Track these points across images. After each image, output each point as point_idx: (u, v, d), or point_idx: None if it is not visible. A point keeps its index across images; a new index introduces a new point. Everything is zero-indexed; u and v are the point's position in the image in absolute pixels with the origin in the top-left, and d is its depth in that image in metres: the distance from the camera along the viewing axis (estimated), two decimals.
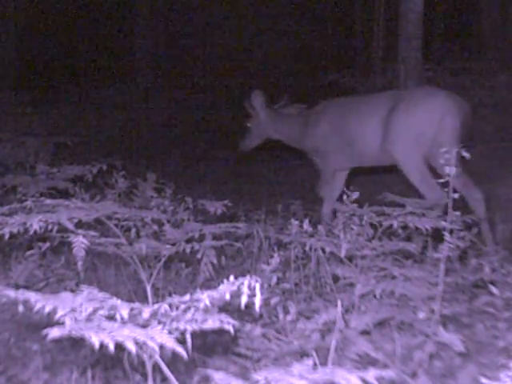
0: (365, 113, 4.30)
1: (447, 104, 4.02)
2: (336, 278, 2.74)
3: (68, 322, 1.52)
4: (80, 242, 2.27)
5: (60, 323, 1.50)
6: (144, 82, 11.84)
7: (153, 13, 12.64)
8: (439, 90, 4.31)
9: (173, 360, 1.80)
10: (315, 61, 12.00)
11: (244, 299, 1.63)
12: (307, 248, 2.85)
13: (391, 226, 2.59)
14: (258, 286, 1.64)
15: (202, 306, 1.63)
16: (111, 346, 1.39)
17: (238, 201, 5.13)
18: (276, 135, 5.03)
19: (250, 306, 1.66)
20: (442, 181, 2.33)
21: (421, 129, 3.99)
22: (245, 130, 5.12)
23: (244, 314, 2.34)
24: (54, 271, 3.20)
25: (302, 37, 13.32)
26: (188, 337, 1.59)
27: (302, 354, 2.22)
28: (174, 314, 1.63)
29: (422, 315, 2.35)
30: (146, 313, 1.61)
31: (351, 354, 2.21)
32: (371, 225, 2.73)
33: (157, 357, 1.58)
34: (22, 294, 1.59)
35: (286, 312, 2.55)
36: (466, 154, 2.32)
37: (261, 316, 2.57)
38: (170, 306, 1.64)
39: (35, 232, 2.25)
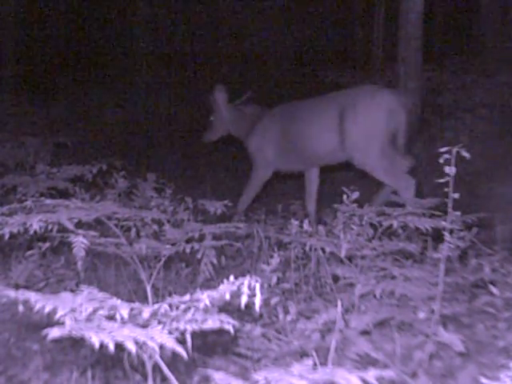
0: (314, 116, 4.50)
1: (392, 101, 4.21)
2: (336, 278, 2.74)
3: (68, 322, 1.52)
4: (80, 242, 2.27)
5: (60, 323, 1.50)
6: (144, 82, 11.84)
7: (153, 13, 12.64)
8: (382, 87, 4.51)
9: (173, 360, 1.80)
10: (315, 61, 12.00)
11: (244, 299, 1.63)
12: (307, 248, 2.85)
13: (391, 225, 2.59)
14: (257, 286, 1.64)
15: (201, 306, 1.63)
16: (111, 346, 1.39)
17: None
18: (233, 131, 5.22)
19: (250, 306, 1.66)
20: (441, 181, 2.32)
21: (374, 127, 4.19)
22: (208, 122, 5.31)
23: (244, 313, 2.34)
24: (54, 271, 3.20)
25: (302, 37, 13.32)
26: (188, 337, 1.59)
27: (302, 354, 2.22)
28: (173, 313, 1.63)
29: (422, 315, 2.35)
30: (146, 313, 1.61)
31: (351, 354, 2.22)
32: (371, 225, 2.73)
33: (157, 357, 1.58)
34: (22, 294, 1.59)
35: (286, 312, 2.55)
36: (465, 154, 2.32)
37: (261, 316, 2.57)
38: (170, 306, 1.64)
39: (35, 232, 2.25)
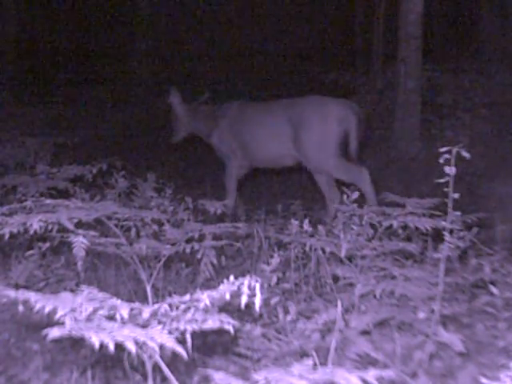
0: (262, 121, 4.81)
1: (340, 110, 4.58)
2: (336, 278, 2.74)
3: (68, 322, 1.52)
4: (80, 242, 2.27)
5: (60, 323, 1.50)
6: (144, 82, 11.84)
7: (154, 13, 12.64)
8: (331, 98, 4.76)
9: (173, 360, 1.80)
10: (315, 61, 11.99)
11: (244, 299, 1.63)
12: (307, 248, 2.85)
13: (391, 226, 2.59)
14: (257, 286, 1.64)
15: (202, 305, 1.63)
16: (111, 346, 1.39)
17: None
18: (194, 130, 5.41)
19: (250, 305, 1.66)
20: (441, 181, 2.32)
21: (326, 134, 4.53)
22: (171, 124, 5.54)
23: (244, 313, 2.34)
24: (54, 271, 3.19)
25: (302, 37, 13.32)
26: (188, 337, 1.59)
27: (302, 354, 2.22)
28: (173, 314, 1.63)
29: (422, 315, 2.35)
30: (146, 313, 1.61)
31: (351, 354, 2.21)
32: (371, 225, 2.73)
33: (157, 357, 1.58)
34: (22, 294, 1.60)
35: (286, 312, 2.55)
36: (466, 154, 2.32)
37: (261, 316, 2.57)
38: (170, 306, 1.64)
39: (35, 232, 2.25)
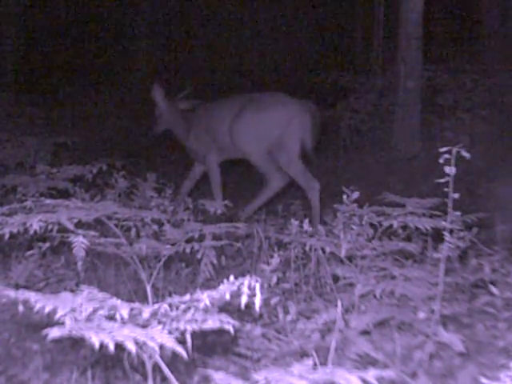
0: (221, 114, 5.06)
1: (295, 110, 4.75)
2: (336, 278, 2.74)
3: (68, 322, 1.52)
4: (80, 242, 2.27)
5: (60, 323, 1.50)
6: (144, 82, 11.84)
7: (154, 13, 12.65)
8: (289, 98, 4.91)
9: (173, 360, 1.80)
10: (315, 61, 11.99)
11: (244, 299, 1.63)
12: (307, 248, 2.85)
13: (391, 225, 2.59)
14: (257, 286, 1.64)
15: (201, 305, 1.63)
16: (111, 346, 1.39)
17: (237, 201, 5.14)
18: (170, 125, 5.55)
19: (250, 306, 1.66)
20: (441, 181, 2.32)
21: (265, 129, 4.75)
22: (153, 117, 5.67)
23: (244, 313, 2.34)
24: (54, 271, 3.20)
25: (302, 37, 13.31)
26: (188, 337, 1.59)
27: (302, 354, 2.22)
28: (173, 314, 1.63)
29: (422, 315, 2.35)
30: (146, 313, 1.61)
31: (351, 354, 2.21)
32: (371, 225, 2.73)
33: (157, 357, 1.58)
34: (22, 294, 1.60)
35: (286, 312, 2.55)
36: (466, 154, 2.31)
37: (261, 316, 2.57)
38: (170, 306, 1.64)
39: (35, 232, 2.25)
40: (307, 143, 4.76)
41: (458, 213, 2.39)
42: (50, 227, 2.29)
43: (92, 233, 2.37)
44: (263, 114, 4.77)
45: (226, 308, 1.74)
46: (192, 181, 5.46)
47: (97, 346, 1.38)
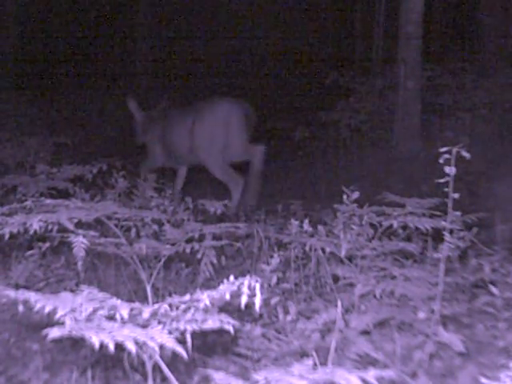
0: (175, 124, 5.42)
1: (230, 110, 5.14)
2: (336, 278, 2.74)
3: (68, 321, 1.52)
4: (80, 242, 2.27)
5: (60, 323, 1.50)
6: (144, 83, 11.84)
7: (154, 14, 12.64)
8: (224, 99, 5.35)
9: (173, 360, 1.80)
10: (315, 61, 11.99)
11: (244, 299, 1.63)
12: (307, 248, 2.84)
13: (391, 225, 2.59)
14: (257, 286, 1.64)
15: (202, 306, 1.63)
16: (111, 346, 1.39)
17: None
18: (147, 136, 5.83)
19: (250, 306, 1.66)
20: (441, 181, 2.32)
21: (214, 134, 5.12)
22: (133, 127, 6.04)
23: (244, 314, 2.34)
24: (54, 271, 3.19)
25: (302, 37, 13.31)
26: (188, 337, 1.59)
27: (302, 354, 2.22)
28: (173, 314, 1.63)
29: (422, 315, 2.34)
30: (146, 313, 1.61)
31: (351, 354, 2.21)
32: (371, 225, 2.73)
33: (157, 357, 1.58)
34: (22, 294, 1.60)
35: (286, 312, 2.55)
36: (466, 154, 2.31)
37: (261, 316, 2.56)
38: (170, 306, 1.64)
39: (35, 232, 2.25)
40: (238, 143, 5.17)
41: (458, 213, 2.38)
42: (50, 227, 2.29)
43: (92, 233, 2.37)
44: (209, 121, 5.16)
45: (226, 308, 1.74)
46: (181, 178, 5.66)
47: (97, 346, 1.38)
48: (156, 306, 1.63)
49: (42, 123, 7.42)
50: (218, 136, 5.11)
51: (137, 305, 1.64)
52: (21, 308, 1.61)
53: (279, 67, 12.59)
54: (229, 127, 5.14)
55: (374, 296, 2.48)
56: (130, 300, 1.83)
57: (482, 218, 2.75)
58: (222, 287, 1.66)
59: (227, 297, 1.64)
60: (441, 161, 2.33)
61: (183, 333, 1.59)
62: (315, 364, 1.98)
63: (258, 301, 1.64)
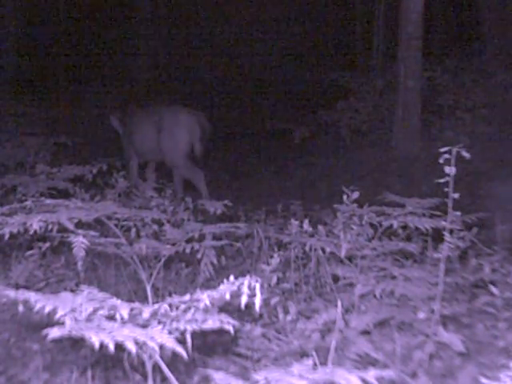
0: (140, 124, 5.88)
1: (189, 118, 5.68)
2: (336, 278, 2.74)
3: (68, 321, 1.52)
4: (80, 242, 2.27)
5: (60, 323, 1.50)
6: (145, 83, 11.84)
7: (154, 14, 12.64)
8: (184, 109, 5.90)
9: (173, 360, 1.80)
10: (315, 61, 11.99)
11: (244, 299, 1.63)
12: (307, 248, 2.85)
13: (391, 225, 2.59)
14: (258, 286, 1.64)
15: (202, 306, 1.63)
16: (111, 346, 1.39)
17: (237, 201, 5.13)
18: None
19: (250, 306, 1.66)
20: (441, 181, 2.32)
21: (181, 138, 5.60)
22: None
23: (244, 314, 2.34)
24: (54, 271, 3.20)
25: (302, 37, 13.31)
26: (188, 337, 1.59)
27: (302, 354, 2.22)
28: (173, 314, 1.63)
29: (422, 315, 2.35)
30: (146, 313, 1.61)
31: (351, 354, 2.21)
32: (371, 225, 2.73)
33: (157, 357, 1.58)
34: (22, 294, 1.60)
35: (286, 312, 2.55)
36: (466, 154, 2.31)
37: (261, 316, 2.57)
38: (170, 306, 1.64)
39: (35, 232, 2.25)
40: (197, 148, 5.66)
41: (458, 213, 2.38)
42: (50, 227, 2.29)
43: (92, 233, 2.37)
44: (178, 128, 5.66)
45: (226, 308, 1.74)
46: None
47: (97, 346, 1.38)
48: (156, 306, 1.63)
49: (42, 123, 7.41)
50: (182, 141, 5.63)
51: (137, 305, 1.64)
52: (21, 308, 1.61)
53: (279, 67, 12.59)
54: (191, 133, 5.68)
55: (374, 296, 2.48)
56: (130, 300, 1.83)
57: (481, 218, 2.75)
58: (222, 287, 1.66)
59: (227, 297, 1.64)
60: (441, 161, 2.33)
61: (183, 333, 1.59)
62: (315, 364, 1.98)
63: (258, 301, 1.64)
